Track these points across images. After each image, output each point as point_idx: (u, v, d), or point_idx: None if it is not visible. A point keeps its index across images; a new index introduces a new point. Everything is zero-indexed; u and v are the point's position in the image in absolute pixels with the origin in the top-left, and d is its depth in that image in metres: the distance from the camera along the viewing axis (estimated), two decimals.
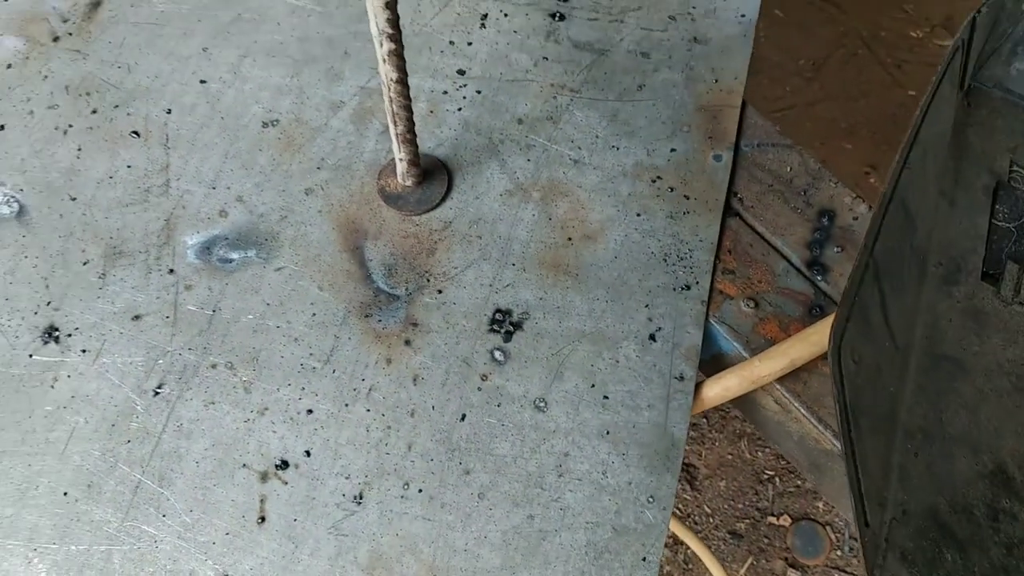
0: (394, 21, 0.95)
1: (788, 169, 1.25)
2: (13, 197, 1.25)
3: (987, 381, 0.93)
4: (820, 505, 2.66)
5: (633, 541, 1.02)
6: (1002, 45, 1.14)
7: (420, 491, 1.05)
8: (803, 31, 3.38)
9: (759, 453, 2.76)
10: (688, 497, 2.71)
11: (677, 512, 2.71)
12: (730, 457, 2.75)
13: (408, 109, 1.07)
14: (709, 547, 2.55)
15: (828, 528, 2.61)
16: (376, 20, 0.94)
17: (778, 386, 1.09)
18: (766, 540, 2.61)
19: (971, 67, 1.12)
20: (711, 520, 2.64)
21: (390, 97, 1.05)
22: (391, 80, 1.02)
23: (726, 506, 2.70)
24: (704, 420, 2.84)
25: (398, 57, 0.99)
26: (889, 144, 3.08)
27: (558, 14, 1.39)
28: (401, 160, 1.16)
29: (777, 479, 2.71)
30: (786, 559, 2.60)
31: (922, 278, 0.98)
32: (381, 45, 0.97)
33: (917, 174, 0.95)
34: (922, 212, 0.98)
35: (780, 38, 3.36)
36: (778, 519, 2.64)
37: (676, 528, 1.87)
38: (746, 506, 2.67)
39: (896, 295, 0.91)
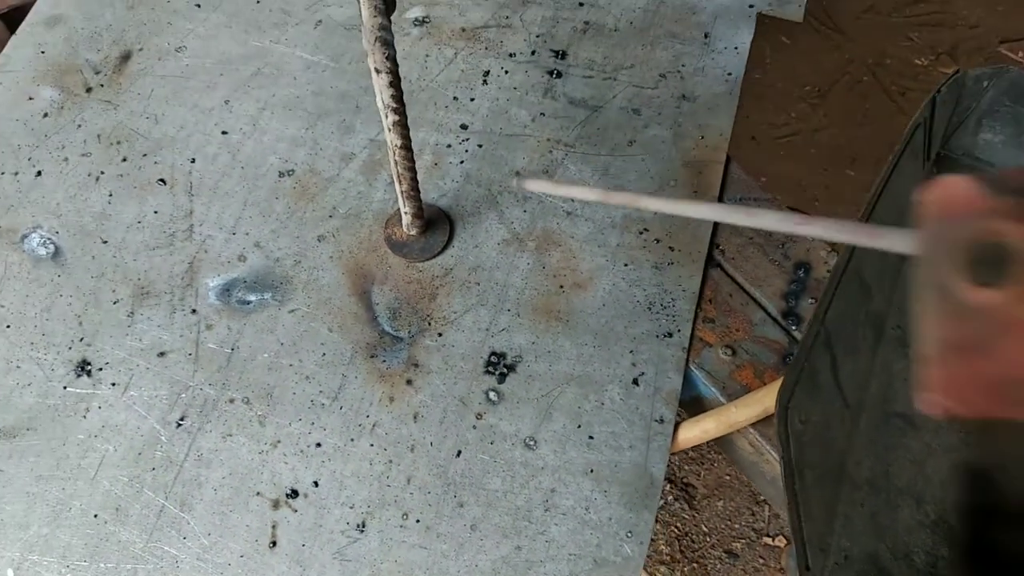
0: (398, 96, 1.04)
1: None
2: (50, 239, 1.36)
3: (935, 437, 1.01)
4: None
5: (612, 572, 1.11)
6: (967, 119, 1.22)
7: (418, 521, 1.14)
8: (808, 58, 3.44)
9: None
10: (686, 516, 2.79)
11: (676, 530, 2.79)
12: (728, 478, 2.82)
13: (412, 170, 1.17)
14: (706, 567, 2.63)
15: None
16: (381, 96, 1.04)
17: (752, 430, 1.18)
18: (761, 560, 2.69)
19: (936, 140, 1.20)
20: (708, 539, 2.71)
21: (395, 160, 1.15)
22: (396, 146, 1.12)
23: (723, 526, 2.78)
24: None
25: (402, 127, 1.09)
26: None
27: (555, 71, 1.48)
28: (406, 213, 1.26)
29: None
30: None
31: (878, 341, 1.06)
32: (386, 116, 1.07)
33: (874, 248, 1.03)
34: (879, 282, 1.06)
35: (785, 65, 3.43)
36: (773, 540, 2.71)
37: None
38: (743, 526, 2.74)
39: (848, 358, 0.99)
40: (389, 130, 1.09)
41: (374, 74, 1.00)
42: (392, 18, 1.54)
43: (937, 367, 0.40)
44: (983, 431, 1.01)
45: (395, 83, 1.02)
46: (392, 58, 0.98)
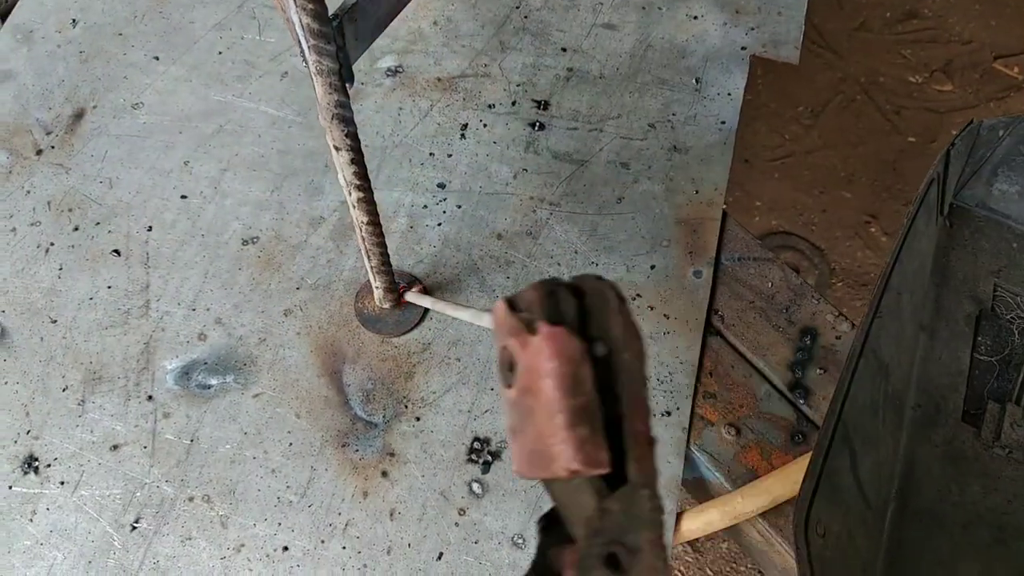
0: (361, 173, 0.94)
1: (769, 285, 1.24)
2: None
3: (965, 534, 0.91)
4: None
5: None
6: (981, 168, 1.13)
7: None
8: (801, 78, 3.37)
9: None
10: (690, 559, 2.68)
11: (679, 573, 2.69)
12: None
13: (381, 245, 1.07)
14: None
15: None
16: (343, 173, 0.94)
17: (760, 520, 1.08)
18: None
19: (949, 193, 1.11)
20: None
21: (362, 236, 1.05)
22: (362, 223, 1.02)
23: (728, 568, 2.67)
24: None
25: (368, 203, 0.99)
26: (889, 192, 3.05)
27: (537, 123, 1.39)
28: (377, 288, 1.16)
29: None
30: None
31: (899, 424, 0.96)
32: (350, 194, 0.97)
33: (890, 319, 0.94)
34: (898, 357, 0.97)
35: (778, 85, 3.35)
36: None
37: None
38: (748, 569, 2.64)
39: (869, 450, 0.89)
40: (354, 207, 0.99)
41: (333, 152, 0.91)
42: (364, 66, 1.45)
43: (510, 444, 0.50)
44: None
45: (357, 159, 0.92)
46: (353, 135, 0.88)
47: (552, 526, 0.52)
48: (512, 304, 0.49)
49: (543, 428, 0.46)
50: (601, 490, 0.46)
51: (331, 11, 0.77)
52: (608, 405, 0.48)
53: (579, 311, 0.49)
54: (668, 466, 1.12)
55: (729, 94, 1.40)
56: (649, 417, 0.49)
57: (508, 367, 0.50)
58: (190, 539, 1.09)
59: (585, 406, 0.46)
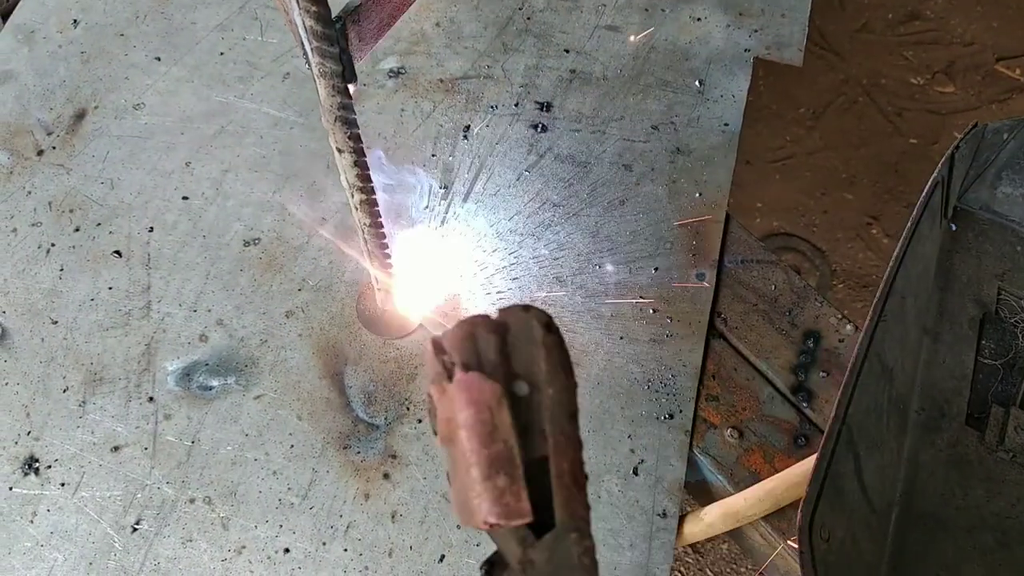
0: (364, 175, 0.94)
1: (773, 287, 1.24)
2: None
3: (969, 538, 0.91)
4: None
5: None
6: (986, 171, 1.12)
7: None
8: (803, 79, 3.36)
9: None
10: (691, 560, 2.68)
11: (680, 575, 2.68)
12: None
13: (384, 247, 1.07)
14: None
15: None
16: (346, 175, 0.94)
17: (763, 523, 1.07)
18: None
19: (953, 196, 1.10)
20: None
21: (364, 239, 1.04)
22: (365, 224, 1.01)
23: (728, 569, 2.67)
24: None
25: (371, 205, 0.99)
26: (891, 194, 3.05)
27: (540, 125, 1.38)
28: (379, 290, 1.16)
29: None
30: None
31: (903, 428, 0.96)
32: (352, 196, 0.97)
33: (895, 323, 0.93)
34: (902, 360, 0.96)
35: (779, 86, 3.34)
36: None
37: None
38: (748, 570, 2.64)
39: (873, 454, 0.89)
40: (356, 209, 0.99)
41: (336, 154, 0.90)
42: (366, 68, 1.44)
43: (449, 489, 0.48)
44: None
45: (360, 162, 0.92)
46: (356, 137, 0.88)
47: (495, 570, 0.50)
48: (438, 346, 0.48)
49: (463, 479, 0.46)
50: (525, 539, 0.46)
51: (334, 13, 0.77)
52: (534, 445, 0.47)
53: (501, 348, 0.47)
54: (671, 469, 1.11)
55: (733, 96, 1.39)
56: (579, 453, 0.48)
57: (433, 414, 0.49)
58: (191, 541, 1.09)
59: (502, 454, 0.45)
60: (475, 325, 0.48)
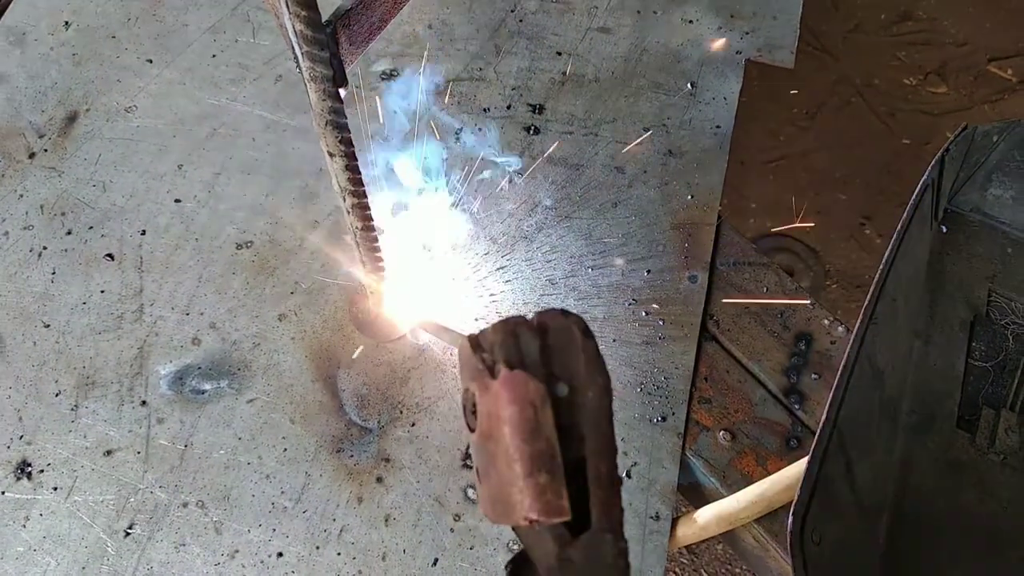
0: (356, 179, 0.94)
1: (765, 290, 1.24)
2: None
3: (960, 540, 0.91)
4: None
5: None
6: (975, 173, 1.13)
7: None
8: (796, 79, 3.36)
9: None
10: (685, 561, 2.68)
11: (674, 575, 2.68)
12: None
13: (376, 250, 1.07)
14: None
15: None
16: (337, 179, 0.94)
17: (755, 525, 1.08)
18: None
19: (944, 198, 1.11)
20: None
21: (357, 242, 1.04)
22: (356, 228, 1.01)
23: (723, 570, 2.67)
24: None
25: (363, 208, 0.98)
26: (883, 194, 3.06)
27: (533, 127, 1.38)
28: (372, 293, 1.16)
29: None
30: None
31: (894, 431, 0.96)
32: (344, 199, 0.97)
33: (886, 326, 0.94)
34: (893, 363, 0.97)
35: (772, 87, 3.35)
36: None
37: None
38: (743, 571, 2.64)
39: (864, 456, 0.89)
40: (348, 212, 0.99)
41: (328, 157, 0.90)
42: (358, 71, 1.44)
43: (477, 486, 0.48)
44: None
45: (352, 165, 0.92)
46: (347, 141, 0.88)
47: (521, 570, 0.51)
48: (476, 343, 0.49)
49: (503, 474, 0.46)
50: (562, 537, 0.46)
51: (324, 17, 0.77)
52: (572, 446, 0.47)
53: (542, 349, 0.48)
54: (664, 471, 1.11)
55: (724, 98, 1.40)
56: (615, 456, 0.48)
57: (472, 410, 0.49)
58: (184, 545, 1.09)
59: (544, 452, 0.46)
60: (518, 325, 0.49)
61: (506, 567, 0.52)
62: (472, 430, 0.50)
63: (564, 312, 0.50)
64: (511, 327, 0.49)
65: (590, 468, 0.47)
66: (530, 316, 0.50)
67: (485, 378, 0.48)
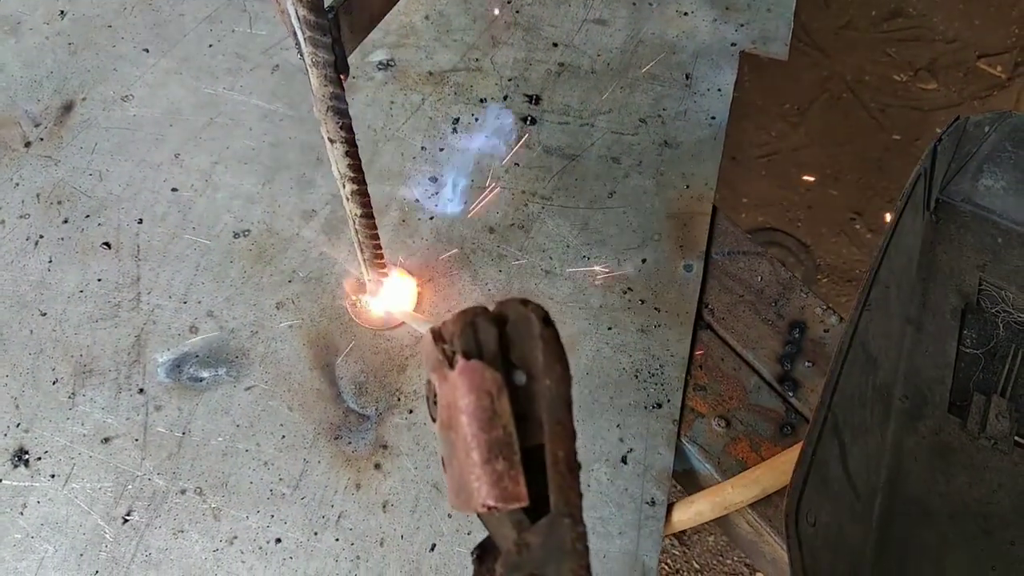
0: (356, 165, 0.95)
1: (759, 279, 1.25)
2: None
3: (952, 525, 0.93)
4: None
5: None
6: (967, 164, 1.14)
7: None
8: (787, 75, 3.38)
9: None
10: (677, 552, 2.70)
11: (667, 567, 2.70)
12: None
13: (375, 238, 1.07)
14: None
15: None
16: (337, 165, 0.94)
17: (750, 510, 1.09)
18: None
19: (935, 189, 1.12)
20: (700, 575, 2.63)
21: (355, 229, 1.05)
22: (356, 215, 1.02)
23: (715, 562, 2.69)
24: None
25: (362, 195, 0.99)
26: (874, 190, 3.08)
27: (529, 118, 1.39)
28: (369, 281, 1.16)
29: None
30: None
31: (887, 416, 0.98)
32: (344, 186, 0.97)
33: (879, 313, 0.95)
34: (886, 348, 0.98)
35: (764, 83, 3.37)
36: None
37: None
38: (735, 562, 2.66)
39: (857, 441, 0.91)
40: (348, 199, 0.99)
41: (328, 144, 0.91)
42: (355, 60, 1.45)
43: (444, 475, 0.50)
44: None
45: (352, 152, 0.92)
46: (347, 127, 0.89)
47: (487, 555, 0.52)
48: (437, 335, 0.50)
49: (463, 463, 0.47)
50: (521, 523, 0.47)
51: (327, 3, 0.77)
52: (531, 433, 0.48)
53: (500, 339, 0.49)
54: (659, 457, 1.13)
55: (719, 90, 1.41)
56: (573, 442, 0.49)
57: (434, 401, 0.50)
58: (182, 531, 1.09)
59: (501, 439, 0.46)
60: (475, 316, 0.49)
61: (472, 552, 0.53)
62: (435, 420, 0.51)
63: (524, 301, 0.50)
64: (469, 318, 0.49)
65: (548, 454, 0.47)
66: (491, 306, 0.50)
67: (444, 369, 0.48)
